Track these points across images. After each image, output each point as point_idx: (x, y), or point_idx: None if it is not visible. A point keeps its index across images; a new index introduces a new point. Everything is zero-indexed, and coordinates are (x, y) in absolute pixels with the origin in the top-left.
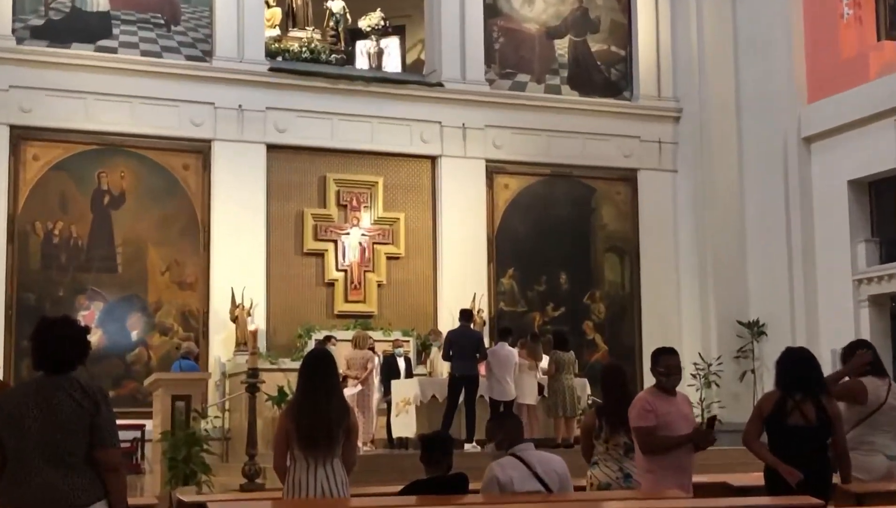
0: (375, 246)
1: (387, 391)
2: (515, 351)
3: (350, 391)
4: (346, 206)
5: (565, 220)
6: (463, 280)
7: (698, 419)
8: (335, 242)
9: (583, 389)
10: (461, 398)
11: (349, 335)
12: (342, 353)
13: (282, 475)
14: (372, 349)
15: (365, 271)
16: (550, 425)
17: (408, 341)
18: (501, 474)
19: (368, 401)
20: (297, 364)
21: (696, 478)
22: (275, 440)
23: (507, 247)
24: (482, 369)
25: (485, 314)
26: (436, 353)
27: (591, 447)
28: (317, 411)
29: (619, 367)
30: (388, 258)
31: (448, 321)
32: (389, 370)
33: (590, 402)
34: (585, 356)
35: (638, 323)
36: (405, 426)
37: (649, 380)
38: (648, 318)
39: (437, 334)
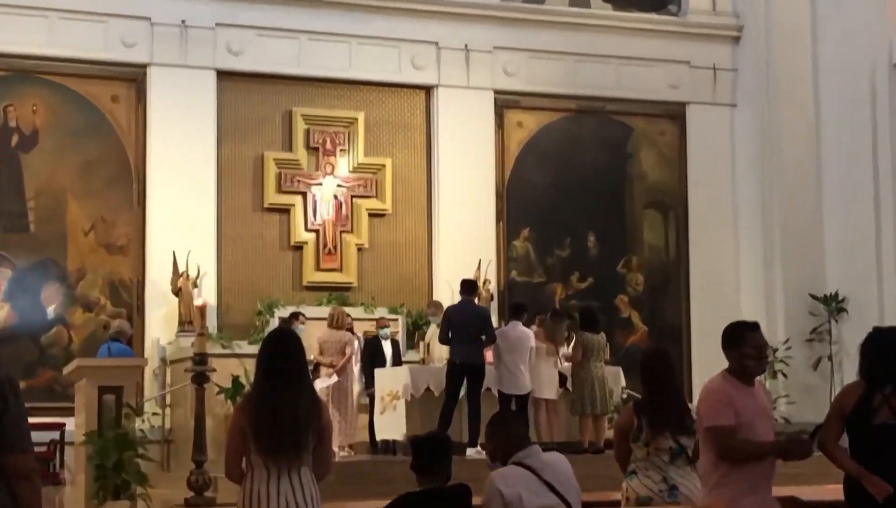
0: (355, 200)
1: (369, 383)
2: (531, 332)
3: (323, 383)
4: (317, 149)
5: (595, 167)
6: (465, 244)
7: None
8: (304, 194)
9: (616, 379)
10: (462, 392)
11: (322, 311)
12: (313, 334)
13: (238, 483)
14: (350, 329)
15: (342, 232)
16: (575, 425)
17: (396, 319)
18: (506, 488)
19: (346, 395)
20: (255, 348)
21: None
22: (227, 443)
23: (522, 202)
24: (489, 355)
25: (492, 286)
26: (433, 333)
27: (628, 452)
28: (280, 406)
29: (663, 351)
30: (371, 216)
31: (446, 296)
32: (373, 357)
33: (625, 396)
34: (619, 338)
35: (685, 297)
36: (392, 425)
37: (699, 368)
38: (698, 291)
39: (438, 307)
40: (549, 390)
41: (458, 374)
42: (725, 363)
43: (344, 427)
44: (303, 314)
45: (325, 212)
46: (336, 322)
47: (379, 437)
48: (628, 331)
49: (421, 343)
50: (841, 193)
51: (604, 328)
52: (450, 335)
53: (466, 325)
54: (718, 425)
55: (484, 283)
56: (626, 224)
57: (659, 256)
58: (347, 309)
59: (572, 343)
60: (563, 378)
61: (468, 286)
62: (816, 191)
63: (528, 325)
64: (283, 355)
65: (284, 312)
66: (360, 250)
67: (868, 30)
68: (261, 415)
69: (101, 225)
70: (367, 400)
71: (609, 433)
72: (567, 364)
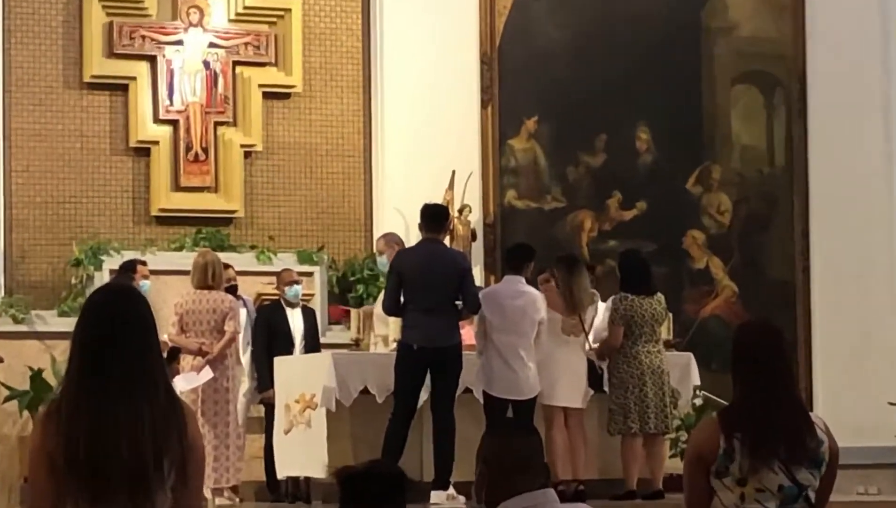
0: (240, 70)
1: (265, 382)
2: (539, 295)
3: (187, 382)
4: None
5: (648, 15)
6: (428, 144)
7: None
8: (152, 61)
9: (684, 375)
10: (425, 396)
11: (183, 260)
12: (168, 299)
13: None
14: (233, 290)
15: (217, 123)
16: (613, 450)
17: (311, 273)
18: None
19: (226, 402)
20: (70, 323)
21: None
22: (29, 481)
23: (524, 73)
24: (468, 332)
25: (474, 217)
26: (379, 298)
27: (709, 496)
28: (108, 422)
29: (769, 329)
30: (269, 97)
31: (398, 234)
32: (271, 337)
33: (699, 401)
34: (690, 304)
35: (802, 236)
36: (305, 454)
37: (827, 356)
38: (824, 225)
39: (392, 245)
40: (569, 392)
41: (415, 366)
42: (873, 345)
43: (222, 457)
44: (144, 263)
45: (190, 90)
46: (208, 279)
47: (281, 473)
48: (705, 292)
49: (355, 313)
50: None
51: (663, 286)
52: (401, 300)
53: (430, 283)
54: None
55: (460, 212)
56: (701, 112)
57: (757, 166)
58: (227, 256)
59: (606, 312)
60: (593, 373)
61: (433, 218)
62: None
63: (533, 281)
64: (114, 334)
65: (119, 260)
66: (249, 155)
67: None
68: (74, 437)
69: None
70: (261, 411)
71: (673, 464)
72: (600, 350)
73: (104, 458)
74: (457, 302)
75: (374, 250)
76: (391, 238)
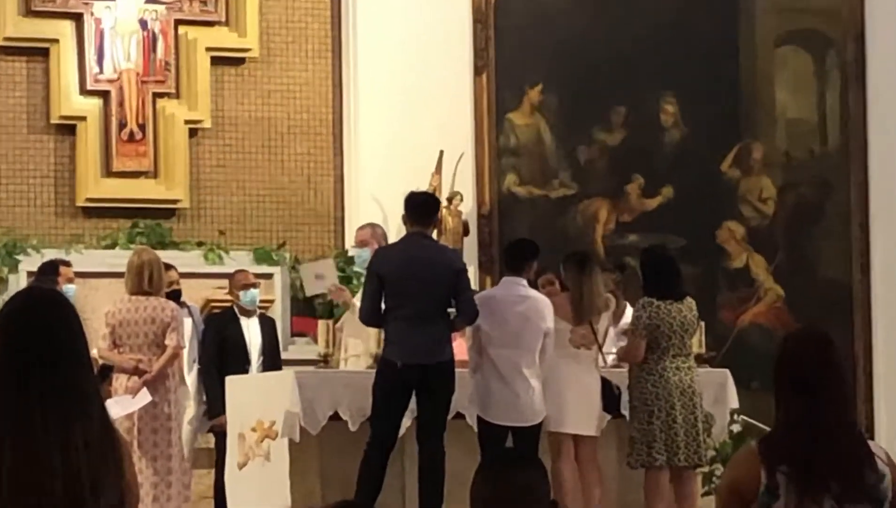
0: (183, 31)
1: (216, 406)
2: (545, 301)
3: (121, 407)
4: None
5: None
6: (412, 119)
7: None
8: (78, 20)
9: (720, 396)
10: (409, 421)
11: (116, 259)
12: (99, 306)
13: None
14: (176, 296)
15: (157, 95)
16: (634, 485)
17: (270, 275)
18: None
19: (167, 431)
20: None
21: None
22: None
23: (525, 35)
24: (460, 345)
25: (467, 207)
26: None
27: None
28: (27, 454)
29: (821, 339)
30: (217, 61)
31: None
32: (223, 351)
33: (735, 425)
34: (726, 310)
35: (861, 228)
36: (261, 493)
37: (888, 369)
38: (887, 211)
39: (371, 240)
40: (579, 417)
41: (398, 387)
42: None
43: (163, 497)
44: (68, 264)
45: (124, 55)
46: (145, 283)
47: None
48: (744, 297)
49: (323, 324)
50: None
51: (695, 290)
52: (383, 306)
53: (417, 287)
54: None
55: (450, 201)
56: (738, 80)
57: (807, 144)
58: (169, 255)
59: (626, 320)
60: (609, 394)
61: (421, 209)
62: None
63: (536, 283)
64: (33, 348)
65: (39, 260)
66: (195, 133)
67: None
68: None
69: None
70: (210, 441)
71: (706, 504)
72: (619, 367)
73: (32, 494)
74: (449, 310)
75: (351, 246)
76: (376, 232)
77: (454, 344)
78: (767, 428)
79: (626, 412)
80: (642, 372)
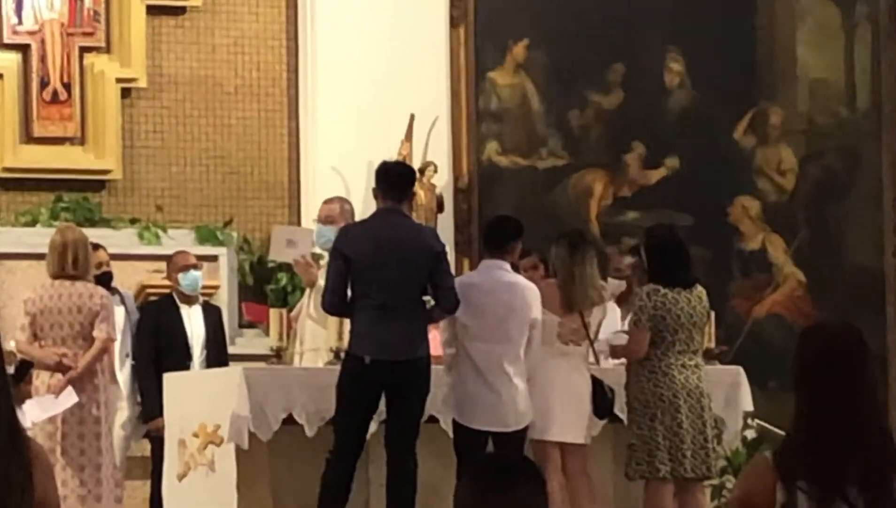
0: None
1: (151, 407)
2: (531, 288)
3: (42, 409)
4: None
5: None
6: (379, 78)
7: None
8: None
9: (732, 397)
10: (375, 426)
11: (36, 238)
12: (16, 293)
13: None
14: (106, 280)
15: (84, 49)
16: (633, 498)
17: (216, 257)
18: None
19: (95, 436)
20: None
21: None
22: None
23: None
24: (435, 338)
25: (442, 179)
26: (318, 290)
27: None
28: None
29: (849, 333)
30: (154, 11)
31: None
32: (160, 344)
33: (748, 431)
34: (739, 298)
35: (894, 202)
36: (205, 506)
37: None
38: None
39: (339, 216)
40: (567, 422)
41: (366, 387)
42: None
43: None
44: None
45: (46, 3)
46: (69, 265)
47: None
48: (760, 283)
49: (275, 313)
50: None
51: (704, 275)
52: (350, 293)
53: (389, 272)
54: None
55: (422, 172)
56: (754, 34)
57: (833, 108)
58: (98, 233)
59: (629, 313)
60: (599, 393)
61: (396, 181)
62: None
63: (519, 265)
64: None
65: None
66: (128, 93)
67: None
68: None
69: None
70: (146, 448)
71: None
72: (613, 361)
73: None
74: (426, 298)
75: (313, 220)
76: (345, 208)
77: (433, 337)
78: (785, 433)
79: (623, 415)
80: (643, 370)
